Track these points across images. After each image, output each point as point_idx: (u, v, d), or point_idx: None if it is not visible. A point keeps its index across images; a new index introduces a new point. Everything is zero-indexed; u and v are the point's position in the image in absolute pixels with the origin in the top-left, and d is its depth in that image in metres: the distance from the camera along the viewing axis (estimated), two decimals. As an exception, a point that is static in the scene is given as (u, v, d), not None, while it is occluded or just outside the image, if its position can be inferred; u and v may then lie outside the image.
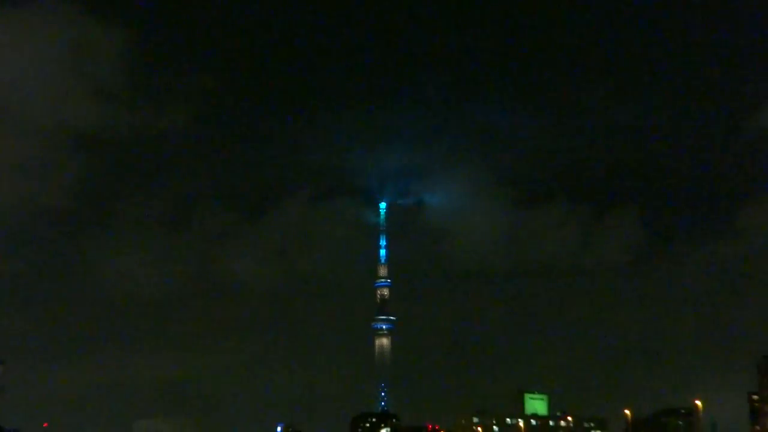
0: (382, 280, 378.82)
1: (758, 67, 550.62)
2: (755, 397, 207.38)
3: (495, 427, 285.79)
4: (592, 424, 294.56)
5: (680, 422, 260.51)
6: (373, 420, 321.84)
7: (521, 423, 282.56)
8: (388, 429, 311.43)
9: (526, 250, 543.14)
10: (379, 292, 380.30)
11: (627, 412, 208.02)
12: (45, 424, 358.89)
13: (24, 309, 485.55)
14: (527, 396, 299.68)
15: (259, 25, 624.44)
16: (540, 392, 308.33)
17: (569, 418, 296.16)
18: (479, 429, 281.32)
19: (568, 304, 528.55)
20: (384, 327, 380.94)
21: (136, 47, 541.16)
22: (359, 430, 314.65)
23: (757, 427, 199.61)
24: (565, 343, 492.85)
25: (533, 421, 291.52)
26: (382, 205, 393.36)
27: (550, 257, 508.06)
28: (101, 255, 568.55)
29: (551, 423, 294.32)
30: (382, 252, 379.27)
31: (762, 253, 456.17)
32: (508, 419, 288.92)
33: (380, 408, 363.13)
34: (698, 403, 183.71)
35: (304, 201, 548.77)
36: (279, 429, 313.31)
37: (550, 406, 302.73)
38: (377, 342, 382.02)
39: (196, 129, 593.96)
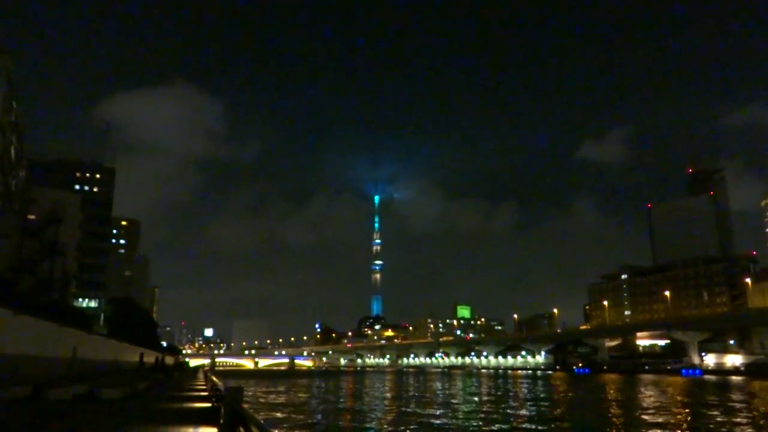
0: (376, 240, 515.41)
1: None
2: (587, 307, 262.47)
3: (440, 324, 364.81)
4: (495, 323, 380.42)
5: (545, 322, 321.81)
6: (371, 320, 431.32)
7: (455, 322, 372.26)
8: (379, 325, 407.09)
9: (453, 223, 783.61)
10: (374, 247, 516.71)
11: (515, 315, 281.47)
12: (183, 323, 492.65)
13: (169, 257, 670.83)
14: (458, 306, 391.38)
15: (302, 98, 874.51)
16: (466, 304, 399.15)
17: (482, 319, 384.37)
18: (431, 326, 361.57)
19: (480, 254, 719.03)
20: (377, 267, 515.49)
21: (228, 108, 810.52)
22: (363, 326, 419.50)
23: (588, 324, 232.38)
24: (480, 276, 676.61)
25: (462, 321, 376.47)
26: (376, 197, 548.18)
27: (467, 227, 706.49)
28: (212, 227, 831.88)
29: (472, 322, 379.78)
30: (376, 225, 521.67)
31: (582, 225, 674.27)
32: (447, 320, 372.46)
33: (374, 313, 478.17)
34: (555, 310, 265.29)
35: (330, 195, 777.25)
36: (317, 325, 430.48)
37: (472, 313, 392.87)
38: (373, 276, 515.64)
39: (265, 154, 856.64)
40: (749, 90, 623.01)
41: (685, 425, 34.27)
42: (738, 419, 36.55)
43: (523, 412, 43.18)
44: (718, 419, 36.78)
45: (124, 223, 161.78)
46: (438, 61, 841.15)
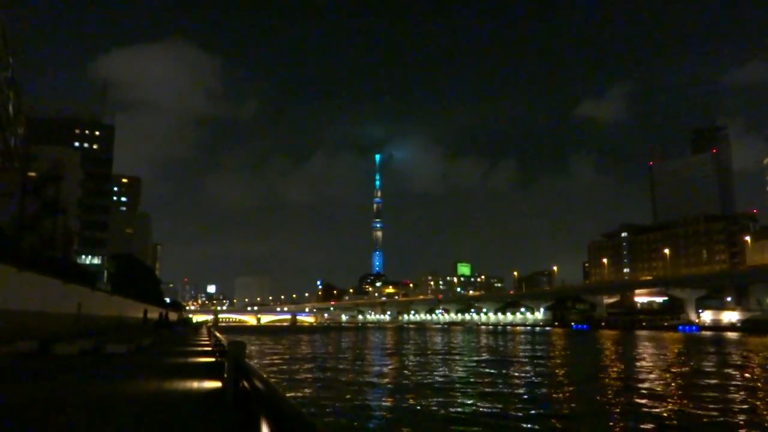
0: (377, 198, 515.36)
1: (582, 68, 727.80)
2: (587, 264, 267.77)
3: (440, 282, 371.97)
4: (495, 280, 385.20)
5: (545, 279, 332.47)
6: (372, 278, 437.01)
7: (455, 280, 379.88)
8: (380, 282, 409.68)
9: (453, 181, 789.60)
10: (375, 205, 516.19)
11: (515, 273, 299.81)
12: (186, 279, 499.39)
13: (170, 214, 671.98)
14: (459, 264, 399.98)
15: (300, 55, 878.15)
16: (466, 261, 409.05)
17: (482, 277, 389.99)
18: (432, 283, 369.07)
19: (480, 211, 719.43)
20: (378, 225, 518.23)
21: (226, 65, 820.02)
22: (364, 283, 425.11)
23: (587, 281, 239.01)
24: (480, 234, 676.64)
25: (462, 278, 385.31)
26: (377, 156, 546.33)
27: (467, 186, 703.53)
28: (212, 184, 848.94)
29: (472, 279, 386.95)
30: (377, 183, 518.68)
31: (582, 183, 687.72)
32: (447, 277, 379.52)
33: (375, 270, 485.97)
34: (555, 268, 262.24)
35: (329, 153, 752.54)
36: (319, 282, 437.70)
37: (472, 270, 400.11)
38: (374, 234, 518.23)
39: (264, 112, 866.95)
40: (751, 47, 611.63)
41: (673, 372, 34.99)
42: (723, 366, 37.26)
43: (522, 360, 44.00)
44: (707, 369, 37.49)
45: (125, 180, 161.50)
46: (438, 18, 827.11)
